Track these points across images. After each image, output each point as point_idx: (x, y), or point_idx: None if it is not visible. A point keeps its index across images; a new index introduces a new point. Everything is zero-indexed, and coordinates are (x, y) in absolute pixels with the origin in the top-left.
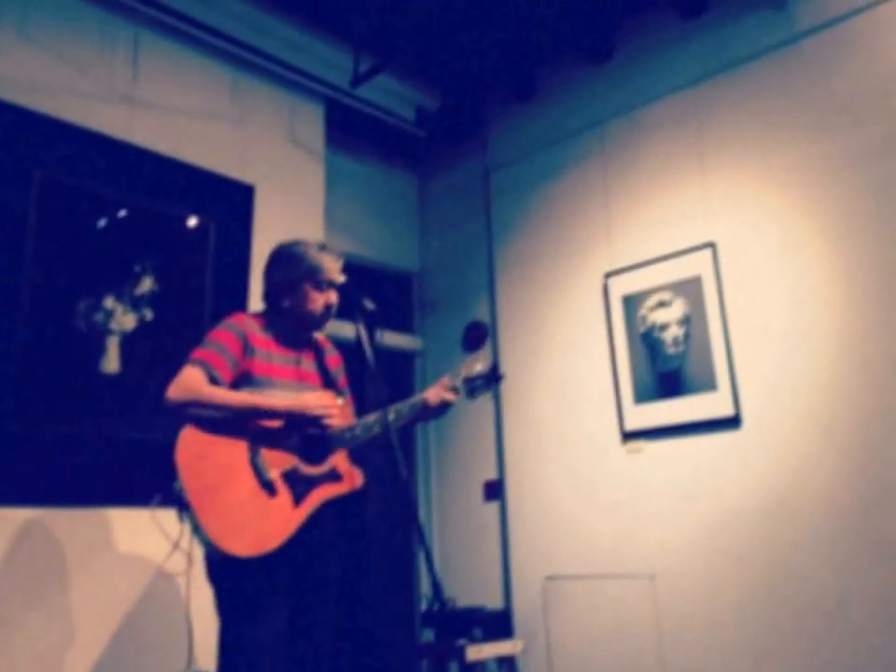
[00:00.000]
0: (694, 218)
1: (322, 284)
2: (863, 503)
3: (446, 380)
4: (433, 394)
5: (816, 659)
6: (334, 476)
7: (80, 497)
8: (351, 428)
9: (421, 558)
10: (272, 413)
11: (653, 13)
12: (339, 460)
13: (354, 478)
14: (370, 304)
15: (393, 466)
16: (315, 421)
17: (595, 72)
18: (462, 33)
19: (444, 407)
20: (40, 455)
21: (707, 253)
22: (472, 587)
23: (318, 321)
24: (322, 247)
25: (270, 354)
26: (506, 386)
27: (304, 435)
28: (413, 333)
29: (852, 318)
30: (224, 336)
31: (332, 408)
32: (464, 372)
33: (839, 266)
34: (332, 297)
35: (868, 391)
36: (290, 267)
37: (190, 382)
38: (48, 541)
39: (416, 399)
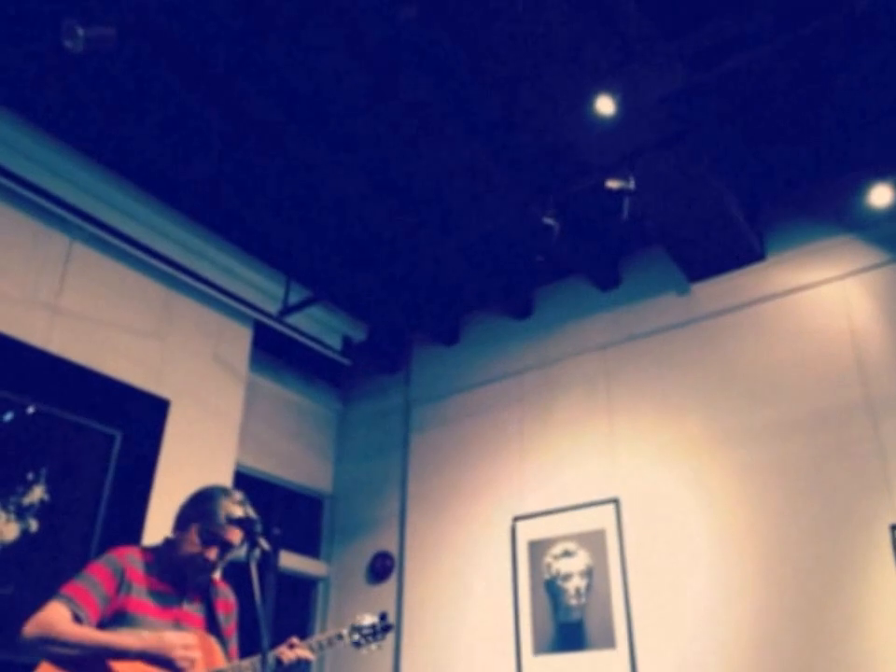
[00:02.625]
0: (602, 471)
1: (209, 537)
2: None
3: (299, 640)
4: (289, 652)
5: None
6: None
7: None
8: None
9: None
10: (129, 654)
11: (571, 281)
12: None
13: None
14: (265, 544)
15: None
16: (173, 665)
17: (516, 326)
18: (393, 275)
19: (298, 663)
20: None
21: (611, 508)
22: None
23: (196, 569)
24: (232, 519)
25: (148, 592)
26: (407, 625)
27: None
28: (319, 558)
29: (751, 582)
30: (99, 572)
31: (193, 653)
32: (354, 621)
33: (735, 528)
34: (212, 554)
35: (765, 656)
36: (194, 507)
37: (50, 619)
38: None
39: (274, 651)
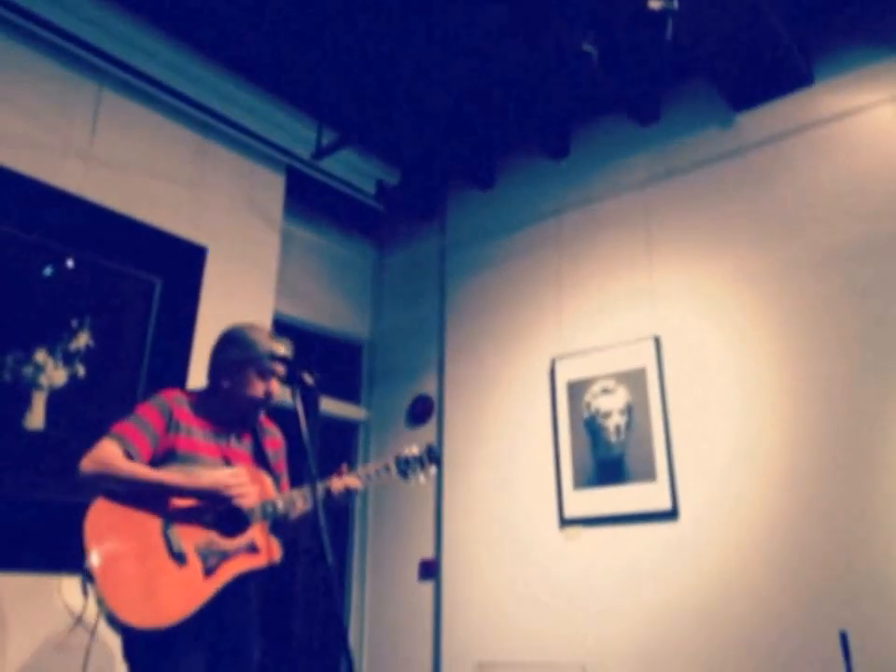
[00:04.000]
0: (641, 311)
1: (267, 373)
2: (798, 603)
3: (353, 470)
4: (337, 482)
5: None
6: (251, 549)
7: None
8: (272, 502)
9: (349, 638)
10: (184, 492)
11: (609, 117)
12: (257, 534)
13: (272, 552)
14: (309, 378)
15: (320, 548)
16: (226, 499)
17: (553, 166)
18: (426, 115)
19: (347, 494)
20: None
21: (651, 345)
22: (403, 669)
23: (256, 407)
24: (273, 336)
25: (197, 431)
26: (448, 463)
27: (220, 510)
28: (359, 403)
29: (790, 418)
30: (148, 412)
31: (245, 486)
32: (400, 452)
33: (777, 365)
34: (274, 386)
35: (805, 492)
36: (239, 349)
37: (105, 455)
38: None
39: (324, 482)
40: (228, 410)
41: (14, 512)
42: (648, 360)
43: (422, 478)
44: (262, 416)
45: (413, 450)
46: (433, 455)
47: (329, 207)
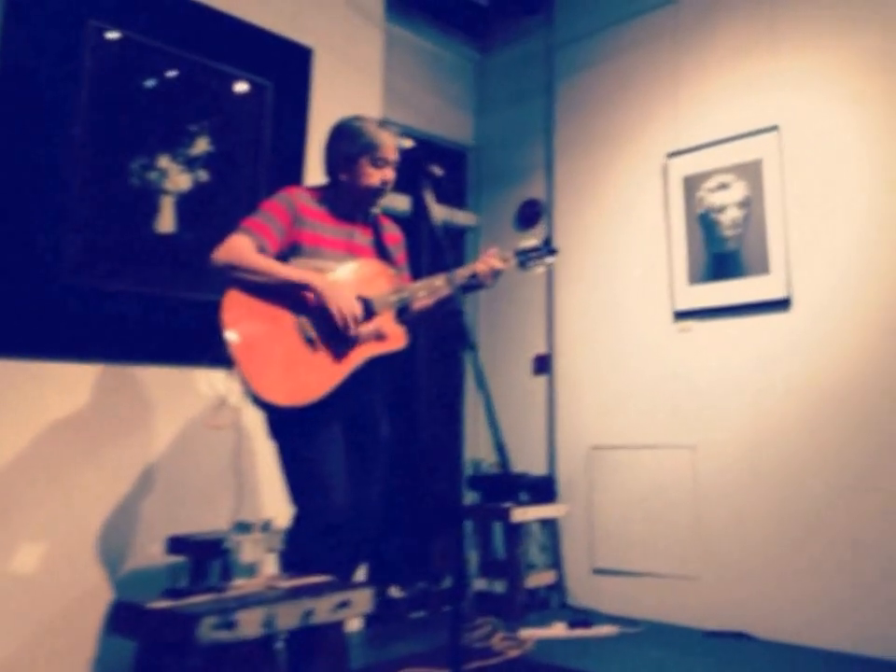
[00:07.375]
0: (762, 100)
1: (379, 161)
2: None
3: (495, 251)
4: (482, 264)
5: (844, 527)
6: (378, 336)
7: (134, 354)
8: (398, 291)
9: (467, 423)
10: (308, 290)
11: None
12: (384, 321)
13: (398, 338)
14: (437, 170)
15: (459, 329)
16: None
17: None
18: None
19: (494, 275)
20: (96, 310)
21: (772, 136)
22: (518, 455)
23: (373, 196)
24: (382, 124)
25: (321, 226)
26: (559, 263)
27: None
28: (467, 209)
29: None
30: (273, 207)
31: (354, 321)
32: (519, 245)
33: None
34: (388, 174)
35: None
36: (349, 141)
37: (236, 247)
38: (102, 397)
39: (465, 268)
40: (348, 202)
41: (154, 310)
42: (767, 151)
43: (540, 268)
44: (382, 214)
45: (531, 241)
46: (550, 246)
47: (428, 5)
